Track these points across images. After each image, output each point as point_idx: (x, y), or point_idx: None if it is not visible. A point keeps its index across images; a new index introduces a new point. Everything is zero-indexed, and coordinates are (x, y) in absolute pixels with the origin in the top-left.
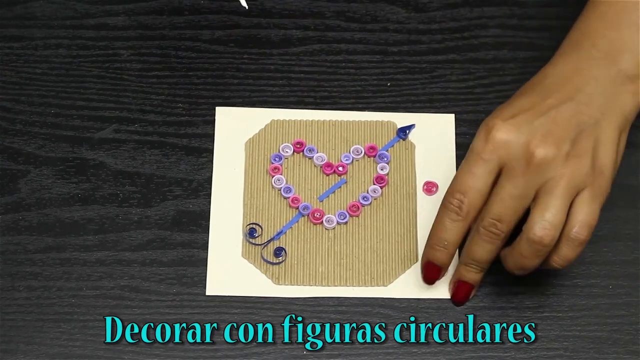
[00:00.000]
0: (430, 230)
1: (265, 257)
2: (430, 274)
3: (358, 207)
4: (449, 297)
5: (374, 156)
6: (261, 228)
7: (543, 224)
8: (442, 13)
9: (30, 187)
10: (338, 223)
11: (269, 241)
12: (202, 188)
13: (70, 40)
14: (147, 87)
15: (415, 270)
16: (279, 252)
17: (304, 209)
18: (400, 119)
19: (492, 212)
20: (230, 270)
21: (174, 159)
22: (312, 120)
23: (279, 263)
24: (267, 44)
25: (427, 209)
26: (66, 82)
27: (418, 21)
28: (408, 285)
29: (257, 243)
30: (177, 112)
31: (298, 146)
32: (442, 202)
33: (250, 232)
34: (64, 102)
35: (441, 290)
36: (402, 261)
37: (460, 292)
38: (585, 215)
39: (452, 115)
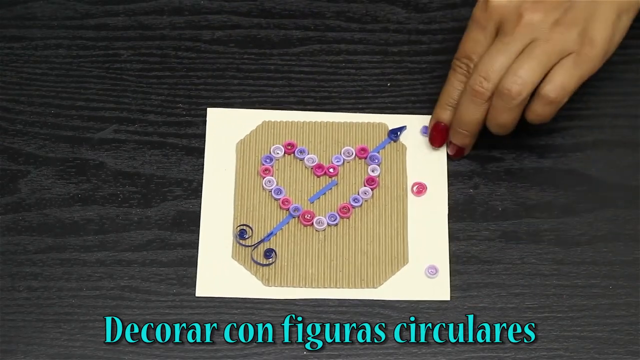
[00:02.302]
0: (441, 93)
1: (255, 259)
2: (438, 134)
3: (348, 209)
4: (441, 299)
5: (365, 158)
6: (251, 229)
7: (514, 78)
8: (442, 13)
9: (30, 188)
10: (328, 225)
11: (259, 242)
12: (202, 188)
13: (70, 40)
14: (147, 87)
15: (406, 272)
16: (269, 253)
17: (294, 210)
18: (392, 120)
19: (479, 69)
20: (220, 271)
21: (174, 159)
22: (303, 122)
23: (269, 264)
24: (267, 44)
25: (417, 210)
26: (66, 82)
27: (418, 21)
28: (398, 287)
29: (247, 244)
30: (177, 112)
31: (289, 147)
32: (451, 67)
33: (241, 234)
34: (64, 102)
35: (432, 293)
36: (392, 263)
37: (453, 151)
38: (560, 77)
39: None
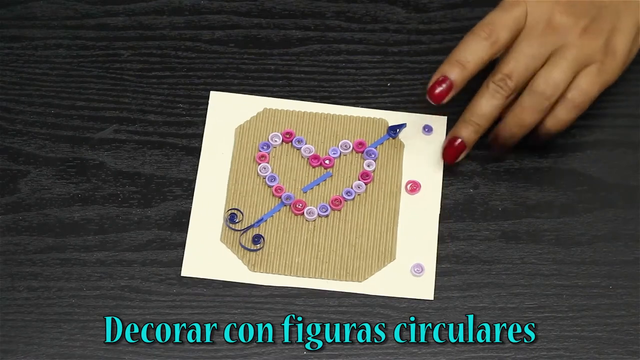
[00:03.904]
0: (454, 49)
1: (243, 243)
2: (439, 93)
3: (340, 201)
4: (424, 298)
5: (362, 152)
6: (242, 214)
7: (547, 78)
8: (442, 13)
9: (30, 187)
10: (319, 215)
11: (248, 227)
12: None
13: (70, 40)
14: (147, 87)
15: (391, 268)
16: (257, 239)
17: (286, 198)
18: (393, 117)
19: (504, 68)
20: (208, 253)
21: (174, 159)
22: (304, 112)
23: (256, 250)
24: (267, 44)
25: (409, 208)
26: (66, 82)
27: (418, 21)
28: (382, 282)
29: (236, 229)
30: (177, 112)
31: (287, 136)
32: (470, 31)
33: (231, 217)
34: (64, 102)
35: (415, 291)
36: (379, 258)
37: (452, 149)
38: (585, 84)
39: (445, 118)
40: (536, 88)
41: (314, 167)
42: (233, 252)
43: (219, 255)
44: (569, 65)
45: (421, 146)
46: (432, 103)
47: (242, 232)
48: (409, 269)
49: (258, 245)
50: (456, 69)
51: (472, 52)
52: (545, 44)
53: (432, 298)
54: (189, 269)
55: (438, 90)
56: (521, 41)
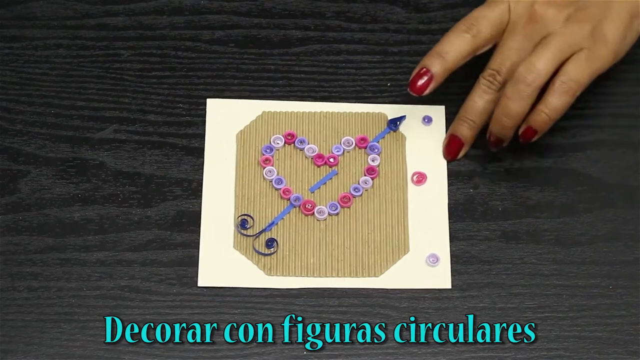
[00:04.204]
0: (436, 44)
1: (256, 249)
2: (420, 85)
3: (349, 198)
4: (442, 287)
5: (365, 147)
6: (253, 219)
7: (527, 66)
8: (442, 13)
9: (30, 187)
10: (329, 214)
11: (260, 232)
12: (202, 188)
13: (70, 40)
14: (147, 87)
15: (407, 261)
16: (270, 243)
17: (295, 200)
18: (391, 110)
19: (492, 64)
20: (222, 261)
21: (174, 159)
22: (303, 112)
23: (270, 254)
24: (267, 44)
25: (417, 199)
26: (66, 82)
27: (418, 21)
28: (399, 276)
29: (248, 234)
30: (177, 112)
31: (289, 137)
32: (457, 24)
33: (242, 224)
34: (64, 102)
35: (433, 281)
36: (394, 252)
37: (451, 146)
38: (573, 70)
39: (443, 107)
40: (517, 76)
41: (318, 166)
42: (248, 258)
43: (234, 262)
44: (551, 53)
45: (423, 137)
46: (414, 95)
47: (254, 237)
48: (424, 259)
49: (272, 249)
50: (436, 61)
51: (451, 45)
52: (529, 37)
53: (450, 287)
54: (205, 279)
55: (419, 82)
56: (507, 36)
